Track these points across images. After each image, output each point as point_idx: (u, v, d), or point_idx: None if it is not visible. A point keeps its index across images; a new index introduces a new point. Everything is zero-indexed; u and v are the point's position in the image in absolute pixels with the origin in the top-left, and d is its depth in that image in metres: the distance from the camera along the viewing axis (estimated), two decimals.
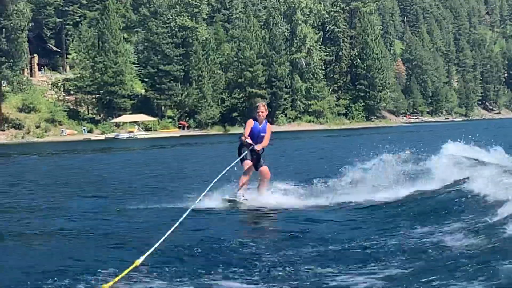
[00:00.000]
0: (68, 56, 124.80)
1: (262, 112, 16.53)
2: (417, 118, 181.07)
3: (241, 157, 16.27)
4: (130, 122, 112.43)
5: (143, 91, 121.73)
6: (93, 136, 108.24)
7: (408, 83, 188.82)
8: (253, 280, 9.00)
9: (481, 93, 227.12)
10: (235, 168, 16.16)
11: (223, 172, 14.93)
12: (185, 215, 11.53)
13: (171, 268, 9.50)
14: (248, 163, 16.14)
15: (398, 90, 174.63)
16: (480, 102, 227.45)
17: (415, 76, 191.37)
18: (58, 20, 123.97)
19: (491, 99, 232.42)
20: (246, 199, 15.97)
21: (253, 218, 15.13)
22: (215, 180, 14.30)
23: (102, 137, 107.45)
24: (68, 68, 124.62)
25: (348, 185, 18.51)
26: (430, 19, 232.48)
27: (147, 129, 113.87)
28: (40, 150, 68.99)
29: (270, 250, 10.77)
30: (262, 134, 16.32)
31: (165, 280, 8.88)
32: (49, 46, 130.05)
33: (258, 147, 16.09)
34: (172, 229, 10.39)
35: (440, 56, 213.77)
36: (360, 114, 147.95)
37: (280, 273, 9.31)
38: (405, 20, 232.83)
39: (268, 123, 16.74)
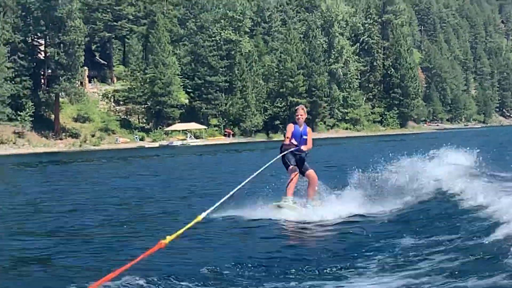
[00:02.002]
0: (115, 68, 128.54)
1: (301, 115, 15.98)
2: (437, 125, 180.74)
3: (281, 154, 15.62)
4: (182, 130, 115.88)
5: (186, 101, 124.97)
6: (146, 144, 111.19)
7: (428, 91, 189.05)
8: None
9: (499, 100, 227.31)
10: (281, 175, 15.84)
11: (264, 167, 14.23)
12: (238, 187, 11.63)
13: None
14: (293, 168, 15.51)
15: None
16: (497, 109, 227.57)
17: (435, 84, 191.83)
18: (107, 34, 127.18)
19: (508, 106, 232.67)
20: (295, 203, 15.32)
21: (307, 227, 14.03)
22: (256, 174, 13.44)
23: (156, 144, 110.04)
24: (115, 79, 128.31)
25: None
26: (447, 28, 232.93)
27: (195, 136, 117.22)
28: (112, 156, 72.12)
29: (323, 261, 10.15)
30: (304, 137, 15.85)
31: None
32: (97, 59, 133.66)
33: (304, 147, 15.70)
34: (232, 192, 10.95)
35: (458, 65, 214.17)
36: (395, 121, 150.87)
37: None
38: (422, 30, 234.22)
39: (307, 126, 16.25)
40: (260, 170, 13.85)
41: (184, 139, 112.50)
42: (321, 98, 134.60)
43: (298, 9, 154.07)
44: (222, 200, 10.19)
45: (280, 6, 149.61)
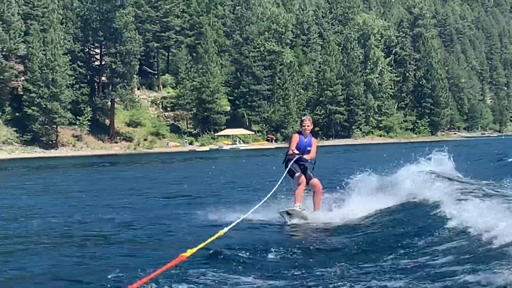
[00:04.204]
0: (162, 76, 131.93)
1: (307, 126, 15.51)
2: (455, 133, 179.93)
3: (288, 167, 15.34)
4: (232, 135, 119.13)
5: (228, 108, 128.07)
6: (196, 148, 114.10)
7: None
8: None
9: None
10: (284, 183, 15.57)
11: (274, 189, 14.55)
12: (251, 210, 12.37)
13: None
14: (299, 175, 15.17)
15: None
16: None
17: (452, 93, 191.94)
18: (155, 44, 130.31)
19: None
20: (304, 210, 15.01)
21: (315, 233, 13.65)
22: (268, 196, 13.84)
23: (206, 148, 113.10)
24: (161, 87, 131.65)
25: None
26: (463, 39, 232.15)
27: (242, 141, 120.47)
28: (171, 158, 75.11)
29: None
30: (308, 148, 15.45)
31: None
32: (144, 67, 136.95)
33: (306, 156, 15.35)
34: (253, 209, 11.53)
35: (475, 75, 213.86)
36: (426, 129, 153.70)
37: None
38: (440, 40, 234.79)
39: (313, 137, 15.80)
40: (276, 187, 14.56)
41: (234, 143, 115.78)
42: (357, 106, 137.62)
43: (333, 22, 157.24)
44: (242, 218, 10.68)
45: (316, 19, 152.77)
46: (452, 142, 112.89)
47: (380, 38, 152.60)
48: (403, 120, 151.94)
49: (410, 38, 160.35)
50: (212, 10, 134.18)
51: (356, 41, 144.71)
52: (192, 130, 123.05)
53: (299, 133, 15.65)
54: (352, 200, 16.19)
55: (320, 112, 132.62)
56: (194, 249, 7.43)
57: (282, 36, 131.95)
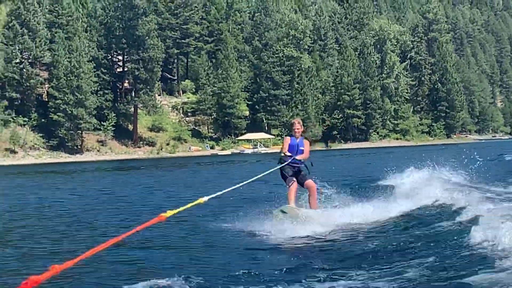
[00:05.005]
0: (182, 82, 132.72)
1: (298, 128, 15.71)
2: (466, 136, 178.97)
3: (279, 167, 15.47)
4: (253, 140, 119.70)
5: (247, 113, 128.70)
6: (218, 152, 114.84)
7: None
8: None
9: None
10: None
11: (263, 174, 14.56)
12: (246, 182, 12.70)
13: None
14: (291, 179, 15.20)
15: None
16: None
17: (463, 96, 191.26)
18: (176, 51, 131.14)
19: None
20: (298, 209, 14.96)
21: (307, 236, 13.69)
22: (254, 178, 13.80)
23: (228, 152, 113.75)
24: (181, 92, 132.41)
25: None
26: (474, 43, 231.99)
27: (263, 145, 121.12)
28: (207, 161, 75.35)
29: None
30: (301, 148, 15.52)
31: None
32: (165, 73, 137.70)
33: (299, 156, 15.39)
34: (235, 187, 11.54)
35: (485, 78, 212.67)
36: (441, 132, 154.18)
37: None
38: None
39: (304, 139, 15.88)
40: (263, 174, 14.50)
41: (255, 147, 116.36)
42: (374, 110, 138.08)
43: (349, 27, 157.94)
44: (224, 191, 10.63)
45: (332, 24, 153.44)
46: (468, 144, 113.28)
47: (396, 43, 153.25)
48: (419, 124, 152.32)
49: (425, 43, 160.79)
50: (231, 17, 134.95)
51: (373, 46, 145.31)
52: (212, 134, 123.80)
53: (290, 135, 15.83)
54: (355, 204, 16.38)
55: (338, 116, 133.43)
56: (175, 211, 7.33)
57: (300, 42, 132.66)
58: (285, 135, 17.06)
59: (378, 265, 9.95)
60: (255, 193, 22.21)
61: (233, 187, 11.50)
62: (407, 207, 15.67)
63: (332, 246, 12.23)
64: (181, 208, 7.82)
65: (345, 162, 61.09)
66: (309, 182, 15.38)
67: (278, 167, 15.39)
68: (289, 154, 15.39)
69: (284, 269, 10.08)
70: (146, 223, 6.63)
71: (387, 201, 16.77)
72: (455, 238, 11.19)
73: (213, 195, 9.51)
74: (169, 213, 7.11)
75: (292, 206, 14.78)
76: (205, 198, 9.08)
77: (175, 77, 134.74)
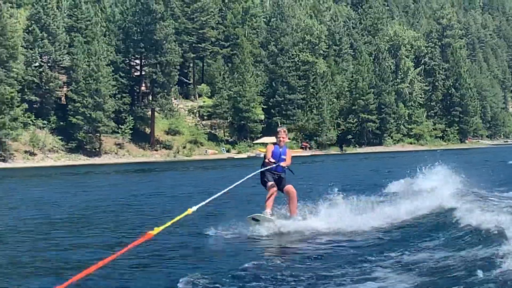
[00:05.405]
0: (198, 86, 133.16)
1: (283, 137, 16.03)
2: (478, 141, 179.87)
3: (260, 170, 15.65)
4: (270, 143, 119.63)
5: (262, 116, 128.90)
6: (234, 155, 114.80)
7: None
8: None
9: None
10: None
11: (242, 180, 14.06)
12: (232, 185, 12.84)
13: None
14: (271, 184, 15.30)
15: None
16: None
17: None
18: (192, 55, 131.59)
19: None
20: (273, 216, 15.09)
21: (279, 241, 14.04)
22: (233, 185, 13.38)
23: (244, 155, 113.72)
24: (197, 96, 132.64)
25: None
26: (485, 48, 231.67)
27: None
28: (220, 164, 75.95)
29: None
30: (283, 157, 15.66)
31: None
32: (181, 77, 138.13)
33: (283, 163, 15.53)
34: (225, 190, 11.63)
35: (497, 83, 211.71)
36: (455, 137, 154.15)
37: None
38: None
39: (287, 148, 16.14)
40: (244, 179, 14.14)
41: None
42: (389, 114, 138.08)
43: (363, 32, 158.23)
44: (210, 199, 10.38)
45: (347, 30, 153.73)
46: (483, 149, 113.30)
47: (410, 49, 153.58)
48: (433, 128, 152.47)
49: (439, 48, 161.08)
50: (247, 22, 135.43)
51: (387, 51, 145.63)
52: (228, 138, 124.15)
53: (275, 144, 16.01)
54: (325, 211, 16.08)
55: (353, 120, 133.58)
56: (161, 227, 7.25)
57: (316, 47, 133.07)
58: (270, 144, 16.44)
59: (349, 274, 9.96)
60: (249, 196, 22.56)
61: (218, 194, 11.27)
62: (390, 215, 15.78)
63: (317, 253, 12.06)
64: (168, 223, 7.74)
65: (360, 166, 60.81)
66: (289, 187, 15.46)
67: (259, 170, 15.53)
68: (273, 160, 15.50)
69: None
70: (133, 243, 6.62)
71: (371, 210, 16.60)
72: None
73: (201, 204, 9.42)
74: (156, 230, 7.04)
75: (265, 215, 14.88)
76: (194, 208, 8.95)
77: (191, 81, 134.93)
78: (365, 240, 13.26)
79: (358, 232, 14.26)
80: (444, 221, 13.81)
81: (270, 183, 15.31)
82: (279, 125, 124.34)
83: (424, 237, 12.66)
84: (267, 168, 15.42)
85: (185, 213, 8.70)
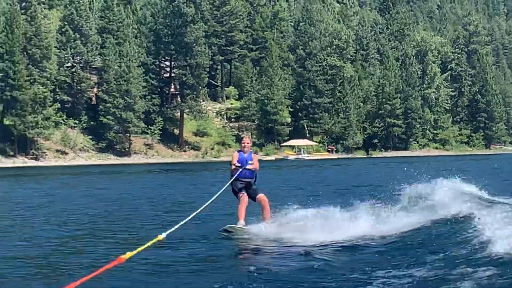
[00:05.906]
0: (226, 88, 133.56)
1: (247, 143, 16.10)
2: (501, 147, 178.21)
3: (230, 182, 15.62)
4: (297, 146, 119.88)
5: (288, 119, 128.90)
6: (262, 158, 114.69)
7: None
8: None
9: None
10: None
11: (216, 196, 14.10)
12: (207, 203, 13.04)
13: None
14: (242, 194, 15.42)
15: None
16: None
17: None
18: (220, 58, 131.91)
19: None
20: (245, 226, 15.08)
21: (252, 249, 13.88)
22: (212, 198, 13.72)
23: (272, 158, 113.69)
24: (225, 98, 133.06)
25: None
26: (510, 55, 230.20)
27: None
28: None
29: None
30: (249, 162, 15.74)
31: None
32: (209, 79, 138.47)
33: (249, 166, 15.64)
34: (196, 212, 11.67)
35: None
36: (480, 142, 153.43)
37: None
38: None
39: (253, 153, 16.15)
40: (215, 197, 13.97)
41: (299, 154, 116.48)
42: (415, 119, 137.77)
43: (390, 37, 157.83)
44: (181, 223, 10.36)
45: (374, 35, 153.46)
46: (508, 155, 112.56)
47: (437, 54, 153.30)
48: (458, 134, 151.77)
49: (465, 54, 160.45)
50: (275, 26, 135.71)
51: (414, 56, 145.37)
52: (256, 140, 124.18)
53: (239, 151, 16.12)
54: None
55: (379, 124, 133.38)
56: (134, 252, 7.29)
57: (343, 51, 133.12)
58: (235, 152, 16.37)
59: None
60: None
61: (189, 217, 11.16)
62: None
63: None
64: (140, 249, 7.71)
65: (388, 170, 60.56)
66: (261, 196, 15.56)
67: (229, 182, 15.48)
68: (239, 165, 15.60)
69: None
70: (104, 267, 6.64)
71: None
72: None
73: (171, 230, 9.35)
74: (128, 254, 7.08)
75: (237, 226, 14.90)
76: (163, 235, 8.83)
77: (218, 83, 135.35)
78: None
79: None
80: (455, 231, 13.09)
81: (240, 193, 15.43)
82: (306, 127, 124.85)
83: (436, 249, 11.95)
84: (235, 176, 15.50)
85: (156, 239, 8.59)
